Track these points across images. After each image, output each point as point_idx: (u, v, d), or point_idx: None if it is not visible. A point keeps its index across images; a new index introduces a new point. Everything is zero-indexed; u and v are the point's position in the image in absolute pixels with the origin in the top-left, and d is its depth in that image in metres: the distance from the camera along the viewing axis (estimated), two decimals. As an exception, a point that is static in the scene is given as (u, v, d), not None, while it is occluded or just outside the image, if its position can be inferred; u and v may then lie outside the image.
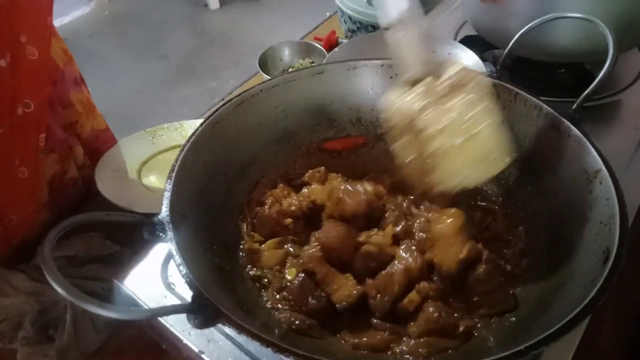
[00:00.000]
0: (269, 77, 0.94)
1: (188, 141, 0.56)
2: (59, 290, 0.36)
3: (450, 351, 0.50)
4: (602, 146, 0.54)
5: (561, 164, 0.57)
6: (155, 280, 0.65)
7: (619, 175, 0.50)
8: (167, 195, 0.50)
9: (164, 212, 0.49)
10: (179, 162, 0.54)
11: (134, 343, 0.80)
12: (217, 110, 0.60)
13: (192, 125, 1.06)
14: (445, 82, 0.52)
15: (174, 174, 0.52)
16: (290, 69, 1.17)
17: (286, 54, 1.20)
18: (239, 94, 0.63)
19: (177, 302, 0.60)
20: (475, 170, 0.53)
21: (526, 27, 0.62)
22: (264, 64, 1.15)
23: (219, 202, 0.60)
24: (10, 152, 0.68)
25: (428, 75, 0.54)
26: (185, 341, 0.58)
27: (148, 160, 1.04)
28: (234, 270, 0.57)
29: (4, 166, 0.69)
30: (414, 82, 0.54)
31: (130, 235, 0.75)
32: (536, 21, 0.62)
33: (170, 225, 0.47)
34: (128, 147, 1.05)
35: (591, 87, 0.57)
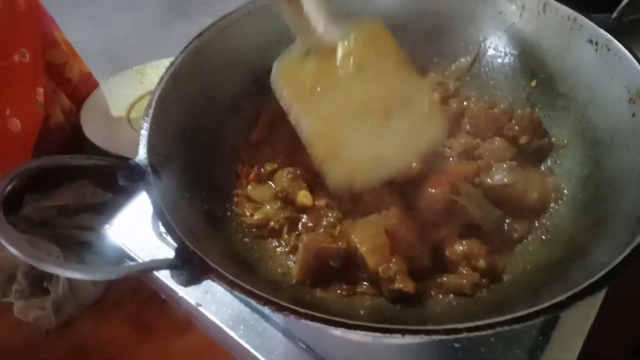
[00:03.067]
0: None
1: (166, 73, 0.49)
2: (14, 251, 0.30)
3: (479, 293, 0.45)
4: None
5: (599, 83, 0.49)
6: (146, 229, 0.60)
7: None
8: (144, 134, 0.43)
9: (142, 154, 0.42)
10: (156, 97, 0.47)
11: (134, 294, 0.77)
12: (198, 36, 0.52)
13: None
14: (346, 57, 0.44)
15: (151, 111, 0.45)
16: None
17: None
18: (224, 16, 0.55)
19: (171, 253, 0.56)
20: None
21: None
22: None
23: (208, 143, 0.53)
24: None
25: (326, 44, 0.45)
26: (181, 294, 0.54)
27: (137, 102, 0.96)
28: (228, 217, 0.51)
29: None
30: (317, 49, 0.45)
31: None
32: None
33: (149, 169, 0.41)
34: (115, 88, 0.98)
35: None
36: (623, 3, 0.48)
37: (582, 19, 0.50)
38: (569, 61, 0.52)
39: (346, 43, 0.45)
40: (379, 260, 0.43)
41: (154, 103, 0.46)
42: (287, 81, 0.46)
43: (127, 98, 0.96)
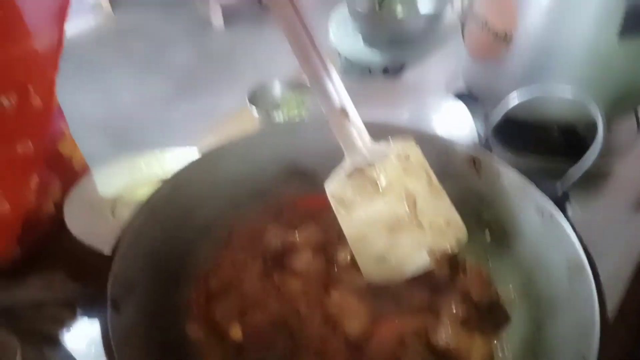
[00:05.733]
0: (256, 114, 0.93)
1: (143, 207, 0.52)
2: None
3: None
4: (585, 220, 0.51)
5: (543, 247, 0.53)
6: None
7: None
8: (111, 269, 0.46)
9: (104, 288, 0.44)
10: (130, 232, 0.49)
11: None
12: (178, 172, 0.56)
13: (174, 157, 1.01)
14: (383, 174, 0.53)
15: (121, 244, 0.48)
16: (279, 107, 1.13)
17: (277, 88, 1.17)
18: (204, 154, 0.59)
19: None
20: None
21: (511, 105, 0.60)
22: (254, 97, 1.12)
23: (174, 267, 0.55)
24: None
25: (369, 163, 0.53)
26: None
27: (123, 195, 0.99)
28: (185, 346, 0.52)
29: None
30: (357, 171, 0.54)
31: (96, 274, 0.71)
32: (521, 99, 0.60)
33: (110, 303, 0.43)
34: (102, 179, 1.01)
35: (578, 170, 0.53)
36: (569, 181, 0.53)
37: (530, 189, 0.55)
38: (519, 223, 0.56)
39: (384, 162, 0.53)
40: None
41: (127, 236, 0.49)
42: (333, 198, 0.54)
43: (113, 190, 0.99)
